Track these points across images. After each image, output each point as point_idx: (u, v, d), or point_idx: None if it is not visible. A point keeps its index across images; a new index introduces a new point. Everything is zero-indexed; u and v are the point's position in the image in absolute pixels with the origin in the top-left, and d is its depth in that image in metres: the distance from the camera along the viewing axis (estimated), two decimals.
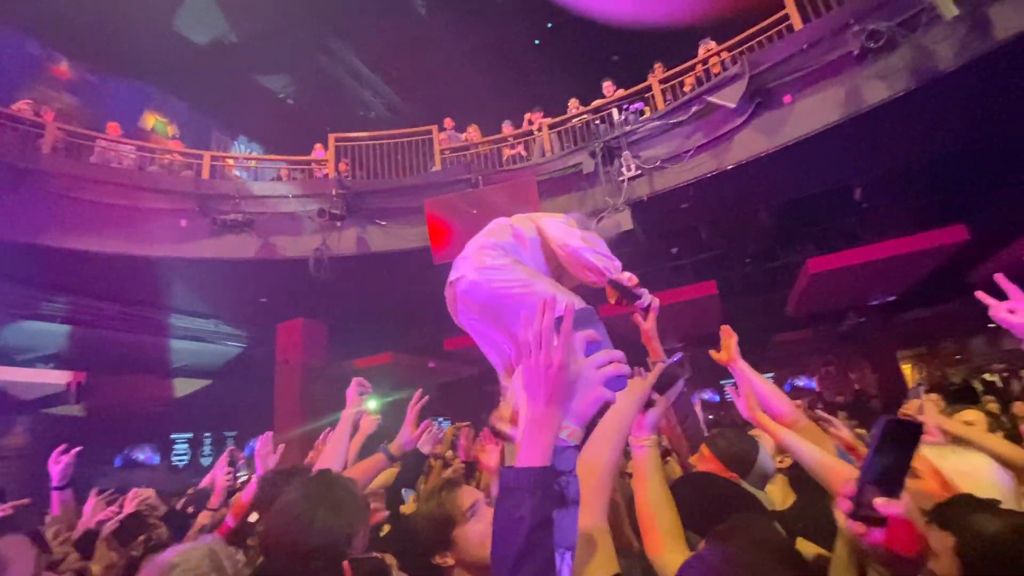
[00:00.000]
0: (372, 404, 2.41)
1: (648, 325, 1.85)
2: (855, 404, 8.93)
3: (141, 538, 2.25)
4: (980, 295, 1.41)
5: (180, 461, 13.01)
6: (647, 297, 1.87)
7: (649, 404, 1.27)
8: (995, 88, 5.42)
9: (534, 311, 0.84)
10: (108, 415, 10.84)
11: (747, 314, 9.82)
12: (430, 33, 13.05)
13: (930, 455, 1.31)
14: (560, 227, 2.01)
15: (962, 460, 1.29)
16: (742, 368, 1.80)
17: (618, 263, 1.94)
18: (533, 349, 0.83)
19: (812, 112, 5.91)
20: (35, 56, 11.49)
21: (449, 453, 3.47)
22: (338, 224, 7.42)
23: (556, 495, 0.76)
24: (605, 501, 1.05)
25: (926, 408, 2.24)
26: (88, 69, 12.23)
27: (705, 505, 1.28)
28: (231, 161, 9.17)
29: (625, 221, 6.39)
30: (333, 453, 1.98)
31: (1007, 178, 7.25)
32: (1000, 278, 1.38)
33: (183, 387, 12.54)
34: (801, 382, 13.70)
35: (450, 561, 1.24)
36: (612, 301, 1.98)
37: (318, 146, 8.72)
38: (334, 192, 7.24)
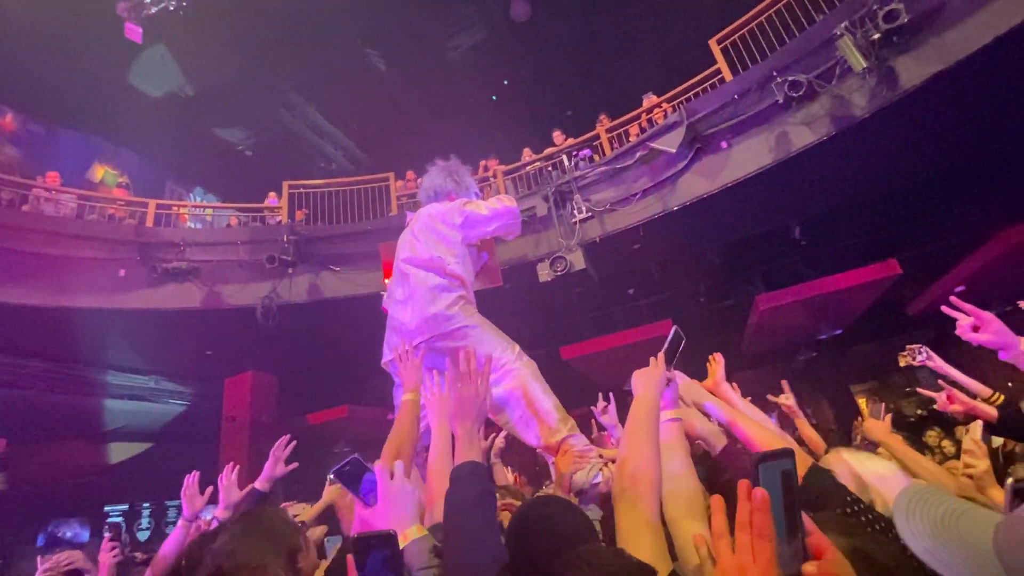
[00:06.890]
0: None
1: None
2: None
3: None
4: (947, 310, 1.50)
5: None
6: None
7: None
8: (908, 129, 5.89)
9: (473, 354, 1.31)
10: (30, 488, 9.79)
11: (703, 353, 9.91)
12: (390, 88, 13.42)
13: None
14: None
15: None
16: (724, 392, 1.91)
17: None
18: (470, 382, 1.26)
19: (747, 156, 6.27)
20: None
21: None
22: (289, 271, 7.22)
23: (488, 478, 1.09)
24: (656, 496, 1.04)
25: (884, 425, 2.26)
26: (34, 120, 11.91)
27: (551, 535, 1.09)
28: (184, 211, 8.92)
29: (578, 261, 6.48)
30: None
31: (931, 212, 7.77)
32: (955, 300, 1.49)
33: (119, 452, 11.53)
34: None
35: None
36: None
37: (271, 194, 8.62)
38: (285, 238, 7.09)
